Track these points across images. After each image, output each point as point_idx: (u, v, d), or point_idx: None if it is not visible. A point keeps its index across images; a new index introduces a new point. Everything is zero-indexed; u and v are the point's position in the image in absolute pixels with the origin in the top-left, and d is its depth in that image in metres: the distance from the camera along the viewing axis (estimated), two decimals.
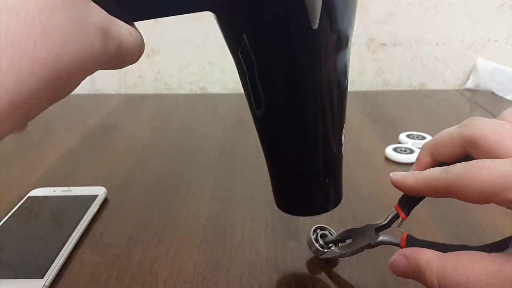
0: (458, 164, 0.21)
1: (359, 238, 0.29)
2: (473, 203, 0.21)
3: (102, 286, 0.32)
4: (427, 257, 0.22)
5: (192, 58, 0.83)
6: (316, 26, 0.22)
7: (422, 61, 0.83)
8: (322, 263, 0.34)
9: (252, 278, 0.33)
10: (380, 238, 0.28)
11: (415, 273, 0.23)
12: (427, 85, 0.85)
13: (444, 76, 0.84)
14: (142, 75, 0.84)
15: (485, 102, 0.75)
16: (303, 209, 0.31)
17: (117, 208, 0.43)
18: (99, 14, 0.18)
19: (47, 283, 0.32)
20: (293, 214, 0.31)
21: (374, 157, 0.52)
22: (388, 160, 0.52)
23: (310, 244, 0.33)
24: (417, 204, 0.27)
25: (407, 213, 0.27)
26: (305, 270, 0.34)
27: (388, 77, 0.85)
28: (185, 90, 0.86)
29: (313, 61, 0.24)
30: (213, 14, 0.24)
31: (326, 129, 0.27)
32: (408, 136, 0.57)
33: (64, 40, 0.16)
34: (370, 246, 0.28)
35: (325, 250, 0.32)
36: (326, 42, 0.23)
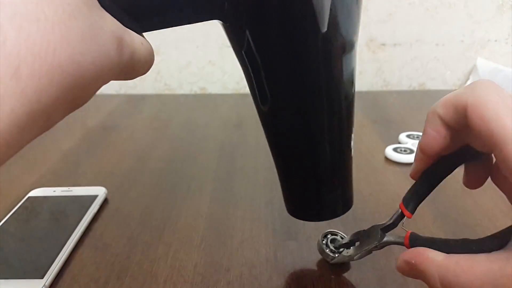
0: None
1: (366, 240, 0.29)
2: (480, 139, 0.21)
3: (102, 286, 0.32)
4: (429, 265, 0.22)
5: (192, 58, 0.83)
6: (325, 29, 0.22)
7: (422, 61, 0.83)
8: (322, 264, 0.34)
9: (252, 278, 0.33)
10: (385, 239, 0.28)
11: (420, 278, 0.23)
12: (427, 85, 0.85)
13: (444, 76, 0.84)
14: (142, 76, 0.84)
15: None
16: (313, 214, 0.31)
17: (117, 208, 0.43)
18: (113, 23, 0.19)
19: (47, 283, 0.32)
20: (303, 219, 0.31)
21: (374, 157, 0.52)
22: (388, 160, 0.52)
23: (321, 251, 0.33)
24: (422, 200, 0.27)
25: (412, 211, 0.27)
26: (305, 270, 0.34)
27: (388, 77, 0.85)
28: (185, 90, 0.86)
29: (320, 65, 0.24)
30: (220, 22, 0.24)
31: (334, 133, 0.27)
32: (408, 136, 0.57)
33: (82, 47, 0.16)
34: (376, 247, 0.28)
35: (336, 255, 0.32)
36: (333, 45, 0.23)
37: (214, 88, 0.85)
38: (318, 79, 0.24)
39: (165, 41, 0.81)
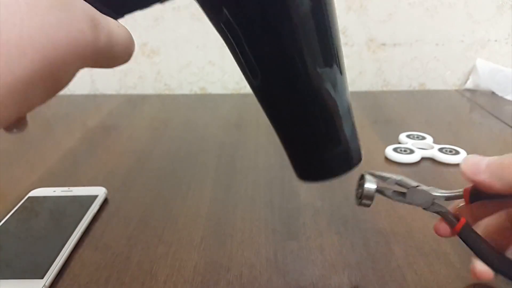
0: None
1: (418, 193, 0.30)
2: None
3: (102, 286, 0.32)
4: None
5: (192, 58, 0.83)
6: None
7: (422, 62, 0.83)
8: (322, 264, 0.34)
9: (252, 278, 0.33)
10: (442, 208, 0.28)
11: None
12: (427, 85, 0.85)
13: (444, 76, 0.84)
14: (142, 76, 0.84)
15: (485, 102, 0.75)
16: (325, 171, 0.30)
17: (117, 208, 0.43)
18: (84, 3, 0.18)
19: (47, 283, 0.32)
20: (315, 180, 0.31)
21: (374, 158, 0.52)
22: (388, 160, 0.52)
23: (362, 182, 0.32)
24: (484, 199, 0.27)
25: (471, 202, 0.27)
26: (305, 270, 0.34)
27: (388, 77, 0.85)
28: (185, 90, 0.86)
29: (294, 19, 0.24)
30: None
31: (322, 81, 0.27)
32: (408, 136, 0.57)
33: (52, 19, 0.16)
34: (432, 204, 0.29)
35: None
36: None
37: (214, 88, 0.85)
38: (296, 32, 0.24)
39: (165, 41, 0.81)
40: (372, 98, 0.78)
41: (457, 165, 0.50)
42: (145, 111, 0.74)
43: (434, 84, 0.85)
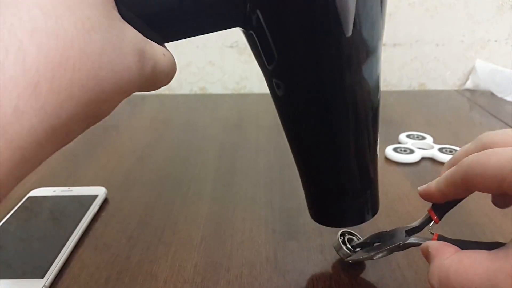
0: (470, 155, 0.22)
1: (389, 240, 0.29)
2: (488, 192, 0.22)
3: (102, 286, 0.32)
4: (436, 259, 0.23)
5: (192, 58, 0.83)
6: (349, 34, 0.22)
7: (422, 62, 0.83)
8: (322, 264, 0.34)
9: (252, 278, 0.33)
10: (410, 240, 0.27)
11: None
12: (427, 86, 0.85)
13: (444, 77, 0.84)
14: None
15: (485, 102, 0.75)
16: (340, 220, 0.31)
17: (117, 208, 0.43)
18: (135, 35, 0.18)
19: (47, 283, 0.32)
20: (329, 225, 0.31)
21: None
22: (388, 160, 0.52)
23: (338, 247, 0.33)
24: (449, 209, 0.27)
25: (440, 217, 0.27)
26: (305, 270, 0.34)
27: (388, 78, 0.85)
28: (185, 90, 0.86)
29: (345, 69, 0.23)
30: (243, 30, 0.24)
31: (360, 139, 0.27)
32: (408, 136, 0.57)
33: (102, 62, 0.16)
34: (399, 247, 0.28)
35: (353, 253, 0.32)
36: (358, 48, 0.23)
37: (214, 88, 0.85)
38: (344, 81, 0.24)
39: None
40: None
41: None
42: (145, 111, 0.74)
43: (434, 84, 0.85)
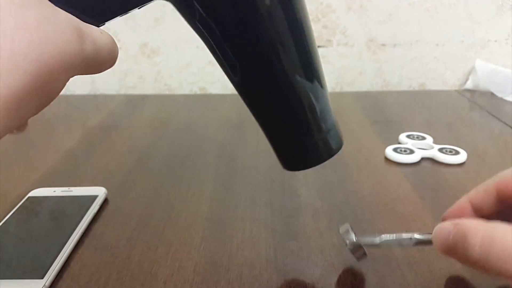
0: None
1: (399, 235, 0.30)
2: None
3: (102, 286, 0.32)
4: (474, 224, 0.23)
5: (192, 58, 0.83)
6: None
7: (422, 62, 0.83)
8: (322, 264, 0.34)
9: (252, 278, 0.33)
10: (418, 236, 0.29)
11: (459, 242, 0.23)
12: (427, 86, 0.85)
13: (444, 77, 0.84)
14: (142, 76, 0.84)
15: (485, 102, 0.75)
16: (308, 159, 0.31)
17: (117, 208, 0.43)
18: (67, 14, 0.19)
19: (47, 283, 0.32)
20: (300, 168, 0.32)
21: (374, 158, 0.52)
22: (388, 160, 0.52)
23: (345, 233, 0.32)
24: None
25: None
26: (305, 270, 0.34)
27: (388, 78, 0.85)
28: (185, 90, 0.86)
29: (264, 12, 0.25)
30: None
31: (296, 70, 0.28)
32: (408, 136, 0.57)
33: (40, 34, 0.17)
34: (410, 240, 0.29)
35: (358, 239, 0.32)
36: None
37: (214, 89, 0.85)
38: (270, 25, 0.25)
39: (165, 42, 0.81)
40: (372, 98, 0.78)
41: (457, 165, 0.50)
42: (145, 111, 0.74)
43: (434, 84, 0.85)
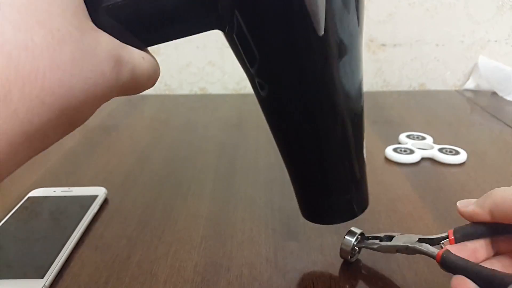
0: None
1: (401, 239, 0.30)
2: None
3: (102, 286, 0.32)
4: None
5: (192, 58, 0.83)
6: (322, 32, 0.22)
7: (422, 62, 0.83)
8: (322, 264, 0.34)
9: (252, 278, 0.33)
10: (417, 245, 0.28)
11: None
12: (427, 86, 0.85)
13: (444, 77, 0.84)
14: None
15: (485, 102, 0.75)
16: (328, 217, 0.31)
17: (117, 208, 0.43)
18: (110, 42, 0.19)
19: (47, 283, 0.32)
20: (318, 223, 0.31)
21: (374, 158, 0.52)
22: (388, 160, 0.52)
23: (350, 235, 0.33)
24: (469, 239, 0.27)
25: (458, 240, 0.27)
26: (305, 270, 0.34)
27: (388, 78, 0.85)
28: (185, 90, 0.86)
29: (323, 67, 0.24)
30: (222, 32, 0.25)
31: (343, 140, 0.27)
32: (408, 136, 0.57)
33: (73, 70, 0.16)
34: (406, 248, 0.29)
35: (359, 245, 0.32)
36: (332, 47, 0.23)
37: (214, 89, 0.85)
38: (323, 79, 0.24)
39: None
40: (372, 98, 0.78)
41: (457, 165, 0.50)
42: (145, 111, 0.75)
43: (434, 84, 0.85)
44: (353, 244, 0.32)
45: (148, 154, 0.56)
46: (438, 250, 0.26)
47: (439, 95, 0.81)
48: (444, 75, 0.84)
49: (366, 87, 0.85)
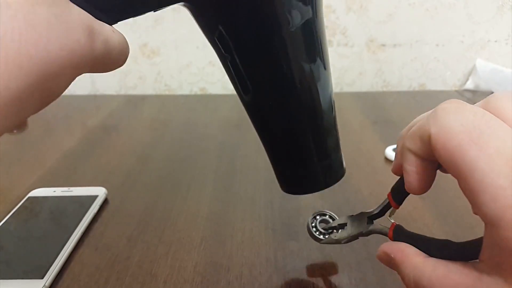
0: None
1: (354, 225, 0.30)
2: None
3: (102, 286, 0.32)
4: (406, 264, 0.22)
5: (192, 59, 0.83)
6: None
7: (422, 62, 0.83)
8: (322, 264, 0.34)
9: (252, 278, 0.33)
10: (371, 227, 0.28)
11: (397, 272, 0.23)
12: (427, 86, 0.85)
13: (444, 77, 0.84)
14: (142, 76, 0.84)
15: None
16: (306, 186, 0.31)
17: (117, 208, 0.43)
18: (81, 12, 0.19)
19: (47, 284, 0.32)
20: (297, 193, 0.32)
21: (374, 158, 0.52)
22: (388, 160, 0.52)
23: (310, 233, 0.33)
24: (408, 194, 0.27)
25: (400, 203, 0.27)
26: (305, 270, 0.34)
27: (388, 78, 0.85)
28: (185, 91, 0.86)
29: (281, 27, 0.25)
30: (187, 5, 0.25)
31: (311, 101, 0.28)
32: None
33: (48, 33, 0.16)
34: (362, 234, 0.29)
35: (322, 238, 0.32)
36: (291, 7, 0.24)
37: (214, 89, 0.85)
38: (283, 40, 0.25)
39: (165, 42, 0.81)
40: (372, 98, 0.78)
41: None
42: (145, 111, 0.75)
43: (434, 84, 0.85)
44: (308, 222, 0.33)
45: (148, 154, 0.56)
46: (388, 229, 0.26)
47: (439, 95, 0.81)
48: (444, 75, 0.84)
49: (366, 88, 0.85)
